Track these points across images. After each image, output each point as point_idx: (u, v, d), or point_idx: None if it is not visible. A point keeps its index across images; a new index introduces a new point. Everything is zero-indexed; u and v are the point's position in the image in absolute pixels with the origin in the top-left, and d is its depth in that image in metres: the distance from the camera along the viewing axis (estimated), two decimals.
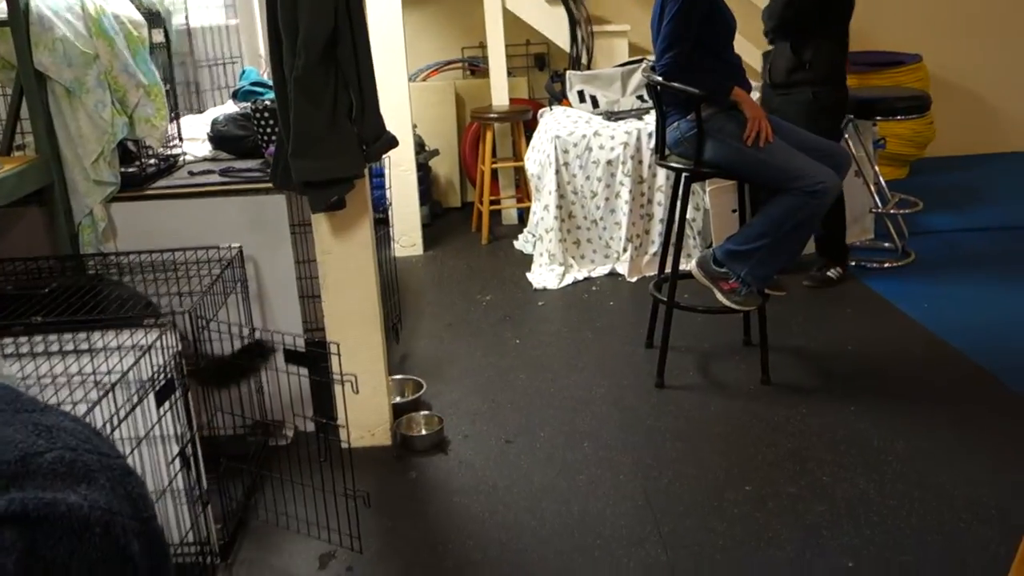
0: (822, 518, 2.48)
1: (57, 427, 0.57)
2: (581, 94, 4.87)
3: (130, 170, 2.87)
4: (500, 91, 5.21)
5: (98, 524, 0.52)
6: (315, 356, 2.45)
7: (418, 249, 5.03)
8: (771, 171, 3.10)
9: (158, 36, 3.03)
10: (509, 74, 5.32)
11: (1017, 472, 2.66)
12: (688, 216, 4.35)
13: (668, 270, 3.39)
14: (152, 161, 2.99)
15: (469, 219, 5.53)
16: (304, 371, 2.54)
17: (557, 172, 4.48)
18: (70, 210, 2.74)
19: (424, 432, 3.07)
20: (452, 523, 2.57)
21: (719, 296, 3.24)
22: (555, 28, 5.29)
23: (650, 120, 4.41)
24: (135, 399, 2.10)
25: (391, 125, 2.83)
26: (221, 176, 2.93)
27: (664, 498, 2.62)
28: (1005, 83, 6.37)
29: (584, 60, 5.29)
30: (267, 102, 2.97)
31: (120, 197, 2.81)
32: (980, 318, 3.74)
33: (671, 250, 3.39)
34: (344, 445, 2.35)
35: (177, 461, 2.24)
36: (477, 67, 5.92)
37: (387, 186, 3.76)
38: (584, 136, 4.50)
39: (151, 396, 2.14)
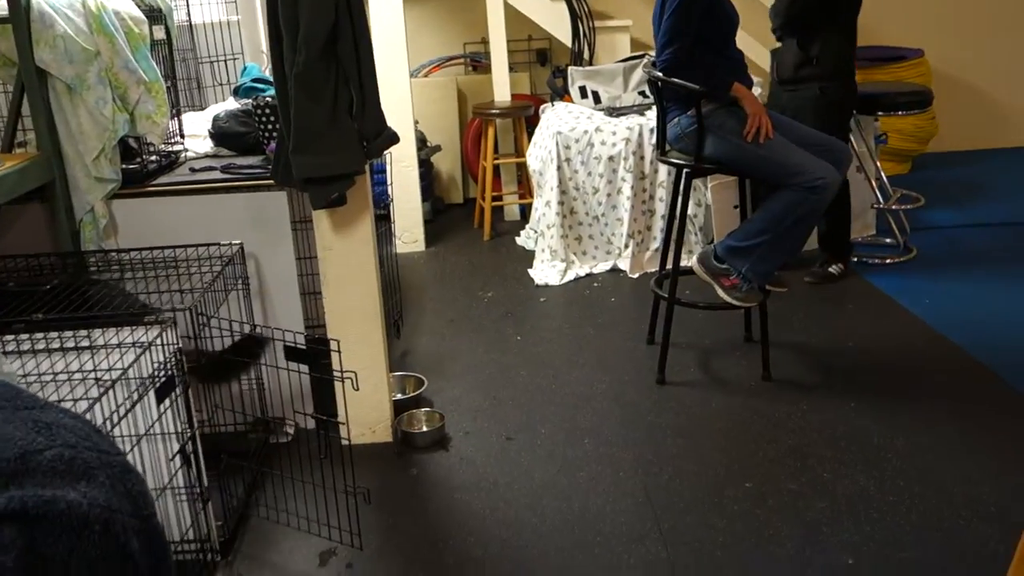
0: (822, 515, 2.48)
1: (57, 424, 0.57)
2: (583, 90, 4.86)
3: (131, 167, 2.87)
4: (502, 87, 5.21)
5: (98, 522, 0.52)
6: (316, 353, 2.45)
7: (420, 245, 5.03)
8: (771, 167, 3.10)
9: (159, 32, 3.02)
10: (511, 70, 5.32)
11: (1017, 470, 2.66)
12: (689, 212, 4.35)
13: (669, 266, 3.39)
14: (153, 158, 2.99)
15: (471, 215, 5.53)
16: (305, 368, 2.54)
17: (559, 168, 4.48)
18: (71, 207, 2.74)
19: (425, 429, 3.07)
20: (453, 520, 2.57)
21: (720, 292, 3.24)
22: (557, 23, 5.29)
23: (652, 116, 4.40)
24: (135, 396, 2.10)
25: (392, 121, 2.83)
26: (222, 173, 2.93)
27: (664, 494, 2.62)
28: (1007, 78, 6.36)
29: (586, 56, 5.28)
30: (268, 98, 2.97)
31: (121, 194, 2.81)
32: (981, 314, 3.73)
33: (672, 246, 3.39)
34: (345, 442, 2.34)
35: (177, 458, 2.24)
36: (479, 63, 5.91)
37: (388, 182, 3.76)
38: (586, 132, 4.49)
39: (151, 393, 2.14)
